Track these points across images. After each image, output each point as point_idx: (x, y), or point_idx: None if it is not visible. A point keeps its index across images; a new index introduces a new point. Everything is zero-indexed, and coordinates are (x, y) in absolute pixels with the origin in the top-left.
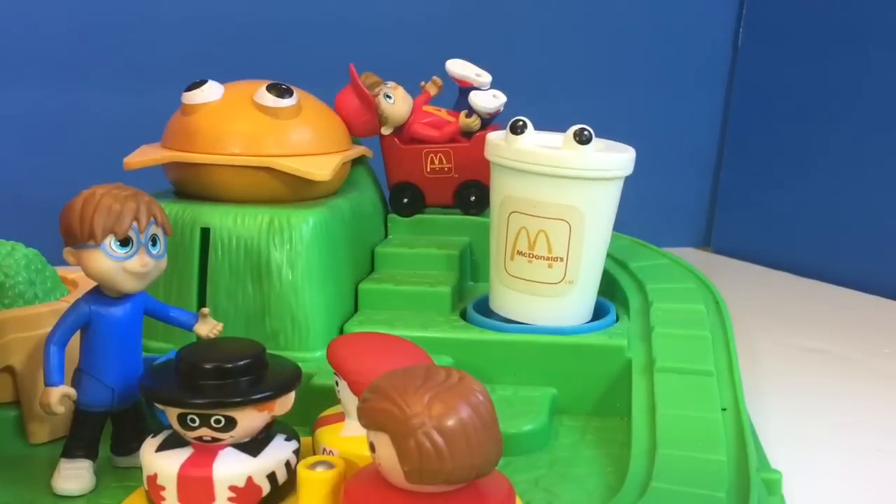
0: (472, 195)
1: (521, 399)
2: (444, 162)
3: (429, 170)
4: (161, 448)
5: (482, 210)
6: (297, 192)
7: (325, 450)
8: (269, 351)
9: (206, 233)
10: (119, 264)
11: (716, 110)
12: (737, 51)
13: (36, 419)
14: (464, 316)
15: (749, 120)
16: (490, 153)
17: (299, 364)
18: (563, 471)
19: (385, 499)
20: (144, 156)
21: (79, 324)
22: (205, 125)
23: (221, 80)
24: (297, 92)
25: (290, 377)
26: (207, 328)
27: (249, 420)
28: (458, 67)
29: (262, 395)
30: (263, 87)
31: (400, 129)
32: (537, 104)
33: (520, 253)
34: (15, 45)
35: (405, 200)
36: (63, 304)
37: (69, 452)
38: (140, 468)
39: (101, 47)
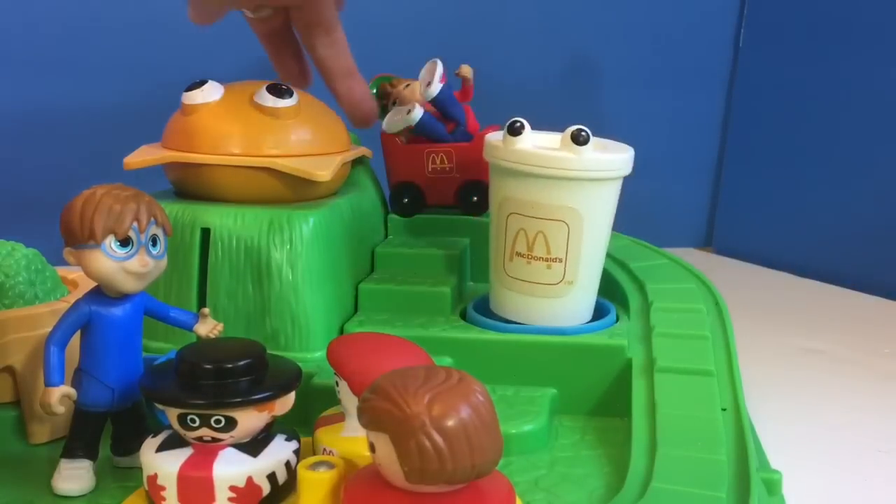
0: (474, 195)
1: (521, 399)
2: (446, 162)
3: (430, 169)
4: (161, 448)
5: (484, 210)
6: (297, 192)
7: (325, 450)
8: (269, 351)
9: (206, 233)
10: (119, 264)
11: (717, 110)
12: (738, 51)
13: (36, 419)
14: (464, 316)
15: (750, 120)
16: (488, 154)
17: (299, 364)
18: (563, 471)
19: (385, 499)
20: (144, 156)
21: (79, 324)
22: (205, 125)
23: (221, 81)
24: (297, 92)
25: (290, 377)
26: (207, 328)
27: (249, 420)
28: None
29: (263, 395)
30: (263, 88)
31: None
32: (537, 104)
33: (518, 254)
34: (15, 45)
35: (406, 200)
36: (63, 304)
37: (69, 452)
38: (140, 468)
39: (101, 47)
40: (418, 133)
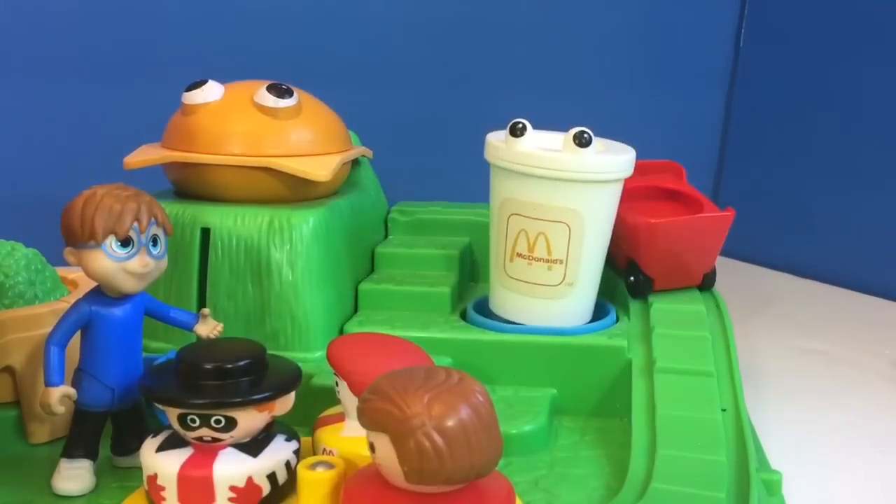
0: (631, 275)
1: (521, 399)
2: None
3: None
4: (161, 448)
5: (634, 296)
6: (297, 192)
7: (325, 450)
8: (269, 351)
9: (206, 233)
10: (119, 264)
11: (717, 110)
12: (738, 51)
13: (36, 419)
14: (464, 316)
15: (750, 120)
16: (489, 155)
17: (299, 364)
18: (562, 471)
19: (385, 499)
20: (144, 156)
21: (79, 324)
22: (205, 125)
23: (221, 81)
24: (297, 92)
25: (291, 377)
26: (207, 328)
27: (250, 420)
28: None
29: (263, 395)
30: (263, 88)
31: None
32: (537, 103)
33: (519, 255)
34: (14, 45)
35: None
36: (63, 304)
37: (69, 452)
38: (140, 468)
39: (101, 47)
40: None
